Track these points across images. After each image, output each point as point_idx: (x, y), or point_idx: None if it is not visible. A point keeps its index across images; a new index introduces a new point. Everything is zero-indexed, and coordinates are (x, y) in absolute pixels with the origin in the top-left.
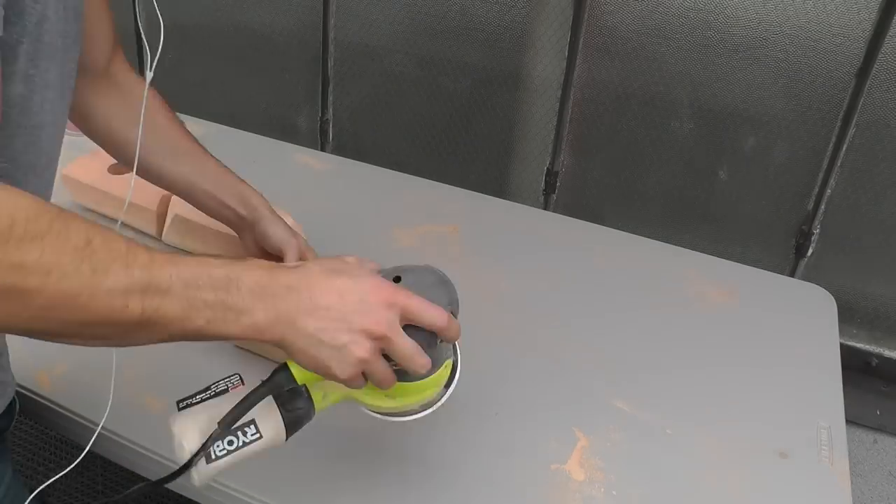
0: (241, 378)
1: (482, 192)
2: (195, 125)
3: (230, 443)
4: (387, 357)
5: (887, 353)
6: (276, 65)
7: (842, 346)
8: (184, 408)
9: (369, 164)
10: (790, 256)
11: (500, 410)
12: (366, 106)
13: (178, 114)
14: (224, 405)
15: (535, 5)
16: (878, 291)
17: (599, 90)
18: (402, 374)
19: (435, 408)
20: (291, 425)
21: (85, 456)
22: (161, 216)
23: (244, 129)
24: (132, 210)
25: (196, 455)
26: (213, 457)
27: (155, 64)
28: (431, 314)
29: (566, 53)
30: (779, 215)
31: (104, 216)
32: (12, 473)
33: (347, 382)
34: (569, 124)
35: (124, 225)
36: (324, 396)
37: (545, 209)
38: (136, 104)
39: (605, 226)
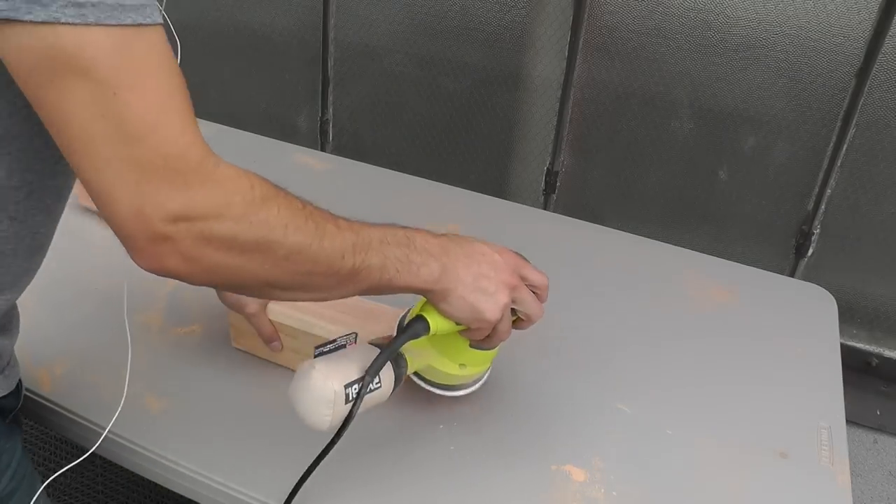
0: (356, 336)
1: (482, 192)
2: None
3: (368, 384)
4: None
5: (887, 353)
6: (276, 65)
7: (842, 346)
8: (318, 355)
9: (369, 164)
10: (790, 256)
11: (500, 410)
12: (366, 106)
13: None
14: (351, 355)
15: (535, 5)
16: (878, 291)
17: (599, 90)
18: (478, 343)
19: (480, 384)
20: (397, 382)
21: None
22: None
23: (244, 129)
24: None
25: (362, 389)
26: (350, 397)
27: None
28: (539, 276)
29: (566, 53)
30: (779, 215)
31: None
32: (22, 452)
33: (486, 327)
34: (569, 124)
35: None
36: (412, 361)
37: (545, 209)
38: None
39: (605, 226)
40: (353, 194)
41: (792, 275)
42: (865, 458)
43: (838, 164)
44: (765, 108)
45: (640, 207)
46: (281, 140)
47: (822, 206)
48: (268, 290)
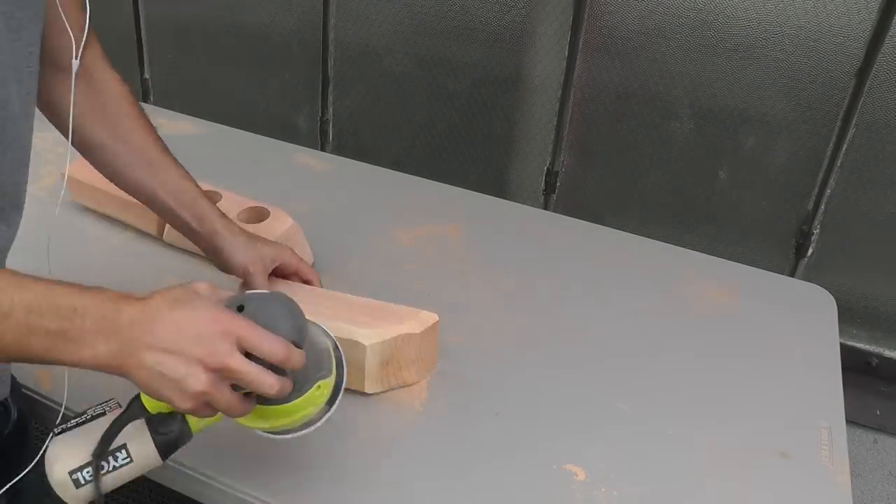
0: (118, 402)
1: (482, 192)
2: (195, 125)
3: (100, 468)
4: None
5: (887, 353)
6: (276, 65)
7: (842, 346)
8: (59, 433)
9: (369, 164)
10: (790, 256)
11: (500, 410)
12: (366, 106)
13: (177, 114)
14: (98, 428)
15: (535, 5)
16: (878, 291)
17: (599, 90)
18: (266, 399)
19: (318, 425)
20: (165, 447)
21: None
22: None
23: (244, 129)
24: (132, 210)
25: (94, 480)
26: (82, 482)
27: (79, 52)
28: (268, 345)
29: (566, 53)
30: (779, 215)
31: (105, 216)
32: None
33: (193, 412)
34: (569, 124)
35: (125, 225)
36: (199, 418)
37: (545, 209)
38: (105, 101)
39: (605, 226)
40: (353, 194)
41: (792, 275)
42: (865, 458)
43: (838, 164)
44: (765, 108)
45: (640, 207)
46: (281, 140)
47: (822, 206)
48: None
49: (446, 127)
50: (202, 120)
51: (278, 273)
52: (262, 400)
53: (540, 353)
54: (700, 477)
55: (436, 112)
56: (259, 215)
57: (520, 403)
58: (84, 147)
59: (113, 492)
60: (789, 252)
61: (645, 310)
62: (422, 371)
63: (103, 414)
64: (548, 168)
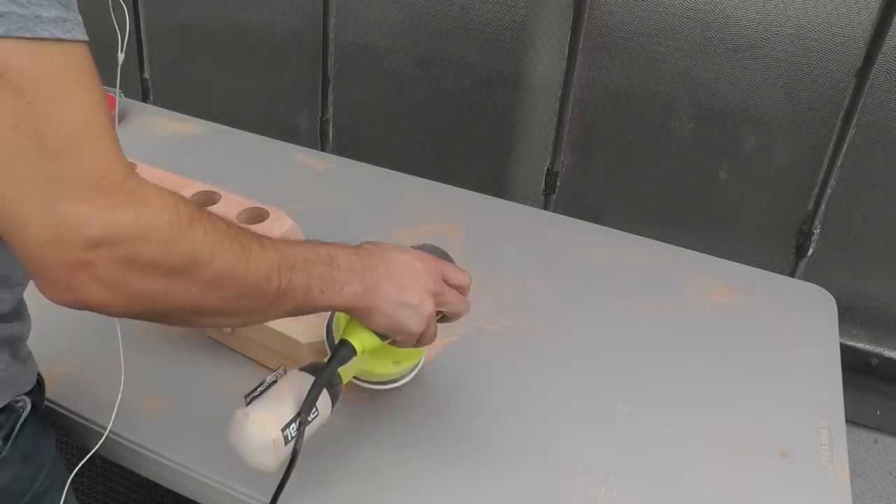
0: (285, 368)
1: (482, 192)
2: (195, 125)
3: (305, 422)
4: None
5: (887, 353)
6: (276, 65)
7: (842, 346)
8: (250, 401)
9: (369, 164)
10: (790, 256)
11: (500, 410)
12: (366, 106)
13: (177, 114)
14: (282, 390)
15: (535, 5)
16: (878, 291)
17: (599, 90)
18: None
19: (416, 372)
20: (335, 399)
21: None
22: None
23: (244, 129)
24: None
25: (299, 433)
26: (290, 438)
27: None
28: (461, 276)
29: (566, 53)
30: (779, 215)
31: None
32: (56, 452)
33: (412, 338)
34: (569, 124)
35: None
36: (346, 372)
37: (545, 209)
38: None
39: (605, 226)
40: (353, 194)
41: (792, 275)
42: (865, 458)
43: (838, 164)
44: (765, 108)
45: (640, 207)
46: (281, 140)
47: (822, 206)
48: (193, 317)
49: (446, 127)
50: (202, 120)
51: None
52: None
53: (539, 353)
54: (700, 477)
55: (436, 112)
56: (258, 216)
57: (519, 403)
58: None
59: (113, 492)
60: (789, 252)
61: (645, 310)
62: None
63: (275, 381)
64: (548, 168)
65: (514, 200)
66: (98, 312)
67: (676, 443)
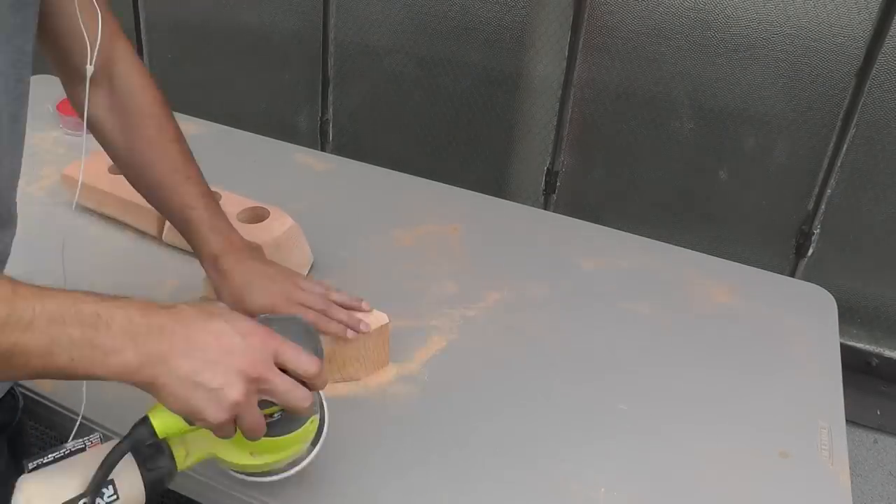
0: (101, 436)
1: (482, 192)
2: (195, 125)
3: None
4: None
5: (887, 353)
6: (276, 65)
7: (842, 346)
8: (34, 469)
9: (369, 164)
10: (790, 256)
11: (500, 411)
12: (366, 106)
13: (177, 114)
14: (78, 464)
15: (535, 5)
16: (878, 291)
17: (599, 90)
18: (267, 430)
19: (301, 466)
20: (152, 485)
21: None
22: (161, 217)
23: (244, 129)
24: (132, 210)
25: None
26: None
27: (93, 58)
28: (304, 360)
29: (566, 53)
30: (779, 215)
31: (105, 216)
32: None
33: (218, 429)
34: (569, 124)
35: (125, 225)
36: (187, 454)
37: (545, 209)
38: (126, 112)
39: (605, 226)
40: (353, 194)
41: (792, 275)
42: (865, 458)
43: (838, 164)
44: (765, 108)
45: (640, 207)
46: (281, 140)
47: (822, 206)
48: None
49: (446, 127)
50: (202, 120)
51: None
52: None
53: (539, 353)
54: (700, 477)
55: (436, 112)
56: (259, 215)
57: (519, 403)
58: (111, 155)
59: None
60: (789, 252)
61: (645, 310)
62: (368, 368)
63: (83, 449)
64: (548, 168)
65: (514, 200)
66: None
67: (676, 443)
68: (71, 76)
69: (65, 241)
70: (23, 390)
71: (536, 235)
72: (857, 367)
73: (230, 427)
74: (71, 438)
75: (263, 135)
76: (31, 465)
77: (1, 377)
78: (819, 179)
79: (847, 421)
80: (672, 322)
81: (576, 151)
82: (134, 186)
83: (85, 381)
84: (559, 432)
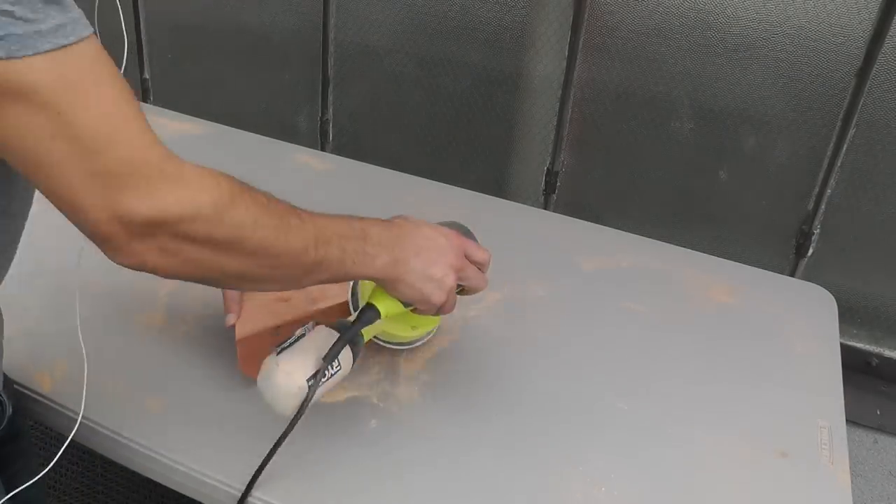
0: (314, 323)
1: (482, 192)
2: (195, 125)
3: (324, 374)
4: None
5: (887, 353)
6: (276, 65)
7: (842, 346)
8: (280, 352)
9: (369, 164)
10: (790, 256)
11: (500, 410)
12: (366, 106)
13: (177, 114)
14: (307, 345)
15: (535, 5)
16: (878, 291)
17: (599, 90)
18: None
19: (431, 335)
20: (356, 356)
21: (86, 457)
22: None
23: (244, 129)
24: None
25: (316, 381)
26: (316, 385)
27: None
28: (481, 253)
29: (566, 53)
30: (779, 215)
31: None
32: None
33: (433, 308)
34: (569, 124)
35: None
36: (367, 333)
37: (545, 209)
38: None
39: (605, 226)
40: (353, 194)
41: (792, 275)
42: (865, 458)
43: (838, 164)
44: (765, 108)
45: (640, 207)
46: (281, 140)
47: (822, 206)
48: (239, 282)
49: (446, 127)
50: (202, 120)
51: None
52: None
53: (539, 353)
54: (700, 476)
55: (436, 112)
56: None
57: (519, 403)
58: None
59: (113, 492)
60: (789, 252)
61: (645, 310)
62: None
63: (304, 335)
64: (548, 168)
65: (514, 200)
66: (155, 274)
67: (676, 442)
68: None
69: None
70: (20, 388)
71: (536, 235)
72: (857, 367)
73: (450, 301)
74: (71, 437)
75: (263, 135)
76: (277, 350)
77: (308, 281)
78: (819, 179)
79: (847, 421)
80: (672, 322)
81: (576, 151)
82: None
83: (85, 382)
84: (559, 432)
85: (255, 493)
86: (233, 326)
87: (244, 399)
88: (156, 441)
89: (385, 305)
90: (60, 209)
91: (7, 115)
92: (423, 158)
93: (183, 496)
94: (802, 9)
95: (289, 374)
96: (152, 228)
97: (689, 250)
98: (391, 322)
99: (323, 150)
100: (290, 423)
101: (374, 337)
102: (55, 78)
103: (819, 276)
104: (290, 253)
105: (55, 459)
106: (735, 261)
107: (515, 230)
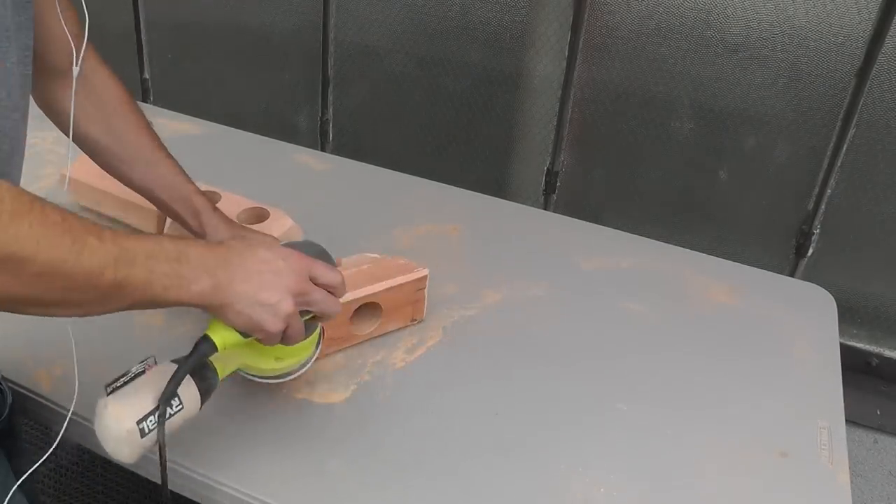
0: (154, 359)
1: (482, 192)
2: (195, 125)
3: (164, 414)
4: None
5: (887, 353)
6: (276, 65)
7: (842, 346)
8: (111, 392)
9: (369, 164)
10: (790, 256)
11: (499, 410)
12: (366, 106)
13: (177, 114)
14: (145, 384)
15: (535, 5)
16: (878, 291)
17: (599, 90)
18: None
19: (307, 367)
20: (205, 394)
21: (86, 457)
22: (161, 217)
23: (244, 129)
24: (132, 210)
25: (147, 425)
26: (146, 431)
27: (80, 59)
28: (331, 275)
29: (566, 53)
30: (779, 215)
31: (104, 216)
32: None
33: (272, 338)
34: (569, 124)
35: (124, 225)
36: (224, 367)
37: (545, 209)
38: (102, 103)
39: (605, 226)
40: (353, 194)
41: (792, 275)
42: (865, 458)
43: (838, 164)
44: (765, 108)
45: (640, 207)
46: (281, 140)
47: (822, 206)
48: (19, 306)
49: (446, 127)
50: (202, 120)
51: None
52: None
53: (539, 353)
54: (700, 477)
55: (436, 112)
56: (259, 216)
57: (519, 403)
58: (85, 147)
59: (113, 492)
60: (789, 252)
61: (645, 310)
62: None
63: (143, 372)
64: (548, 168)
65: (514, 200)
66: None
67: (676, 443)
68: (44, 73)
69: None
70: (12, 385)
71: (536, 235)
72: (857, 367)
73: (279, 335)
74: (63, 432)
75: (263, 135)
76: (108, 389)
77: (110, 308)
78: (819, 179)
79: (847, 421)
80: (672, 322)
81: (576, 151)
82: (112, 171)
83: (77, 381)
84: (558, 432)
85: (255, 493)
86: None
87: (244, 399)
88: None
89: (222, 336)
90: None
91: None
92: (423, 158)
93: (182, 496)
94: (802, 9)
95: (117, 418)
96: None
97: (689, 250)
98: (250, 354)
99: (323, 150)
100: (161, 474)
101: (240, 370)
102: None
103: (819, 276)
104: (82, 275)
105: (45, 455)
106: (735, 261)
107: (515, 230)
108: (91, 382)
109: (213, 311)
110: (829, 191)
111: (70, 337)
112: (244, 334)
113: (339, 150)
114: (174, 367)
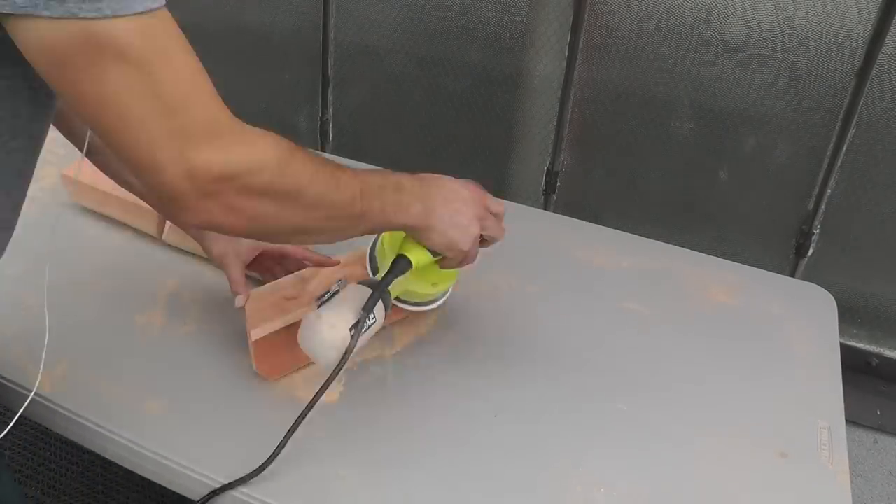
0: (346, 282)
1: None
2: None
3: (363, 325)
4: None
5: (887, 353)
6: (276, 65)
7: (842, 346)
8: (321, 305)
9: (369, 165)
10: (790, 256)
11: (500, 411)
12: (366, 106)
13: None
14: (344, 299)
15: (535, 5)
16: (878, 291)
17: (599, 90)
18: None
19: (447, 295)
20: (387, 309)
21: (86, 457)
22: (162, 218)
23: None
24: (133, 210)
25: (357, 331)
26: (351, 338)
27: None
28: (497, 205)
29: (566, 53)
30: (779, 215)
31: (104, 216)
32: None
33: (463, 256)
34: (569, 124)
35: (125, 225)
36: (392, 291)
37: (545, 209)
38: None
39: (605, 226)
40: None
41: (792, 275)
42: (865, 458)
43: (838, 164)
44: (765, 108)
45: (640, 207)
46: None
47: (822, 206)
48: (295, 235)
49: (446, 127)
50: None
51: (266, 258)
52: (444, 266)
53: (539, 353)
54: (700, 477)
55: (436, 112)
56: None
57: (519, 404)
58: (87, 152)
59: (113, 492)
60: (789, 252)
61: (645, 310)
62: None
63: (339, 291)
64: (548, 168)
65: (514, 200)
66: (222, 232)
67: (676, 443)
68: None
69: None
70: (21, 390)
71: (536, 235)
72: (857, 367)
73: (469, 255)
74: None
75: None
76: (318, 304)
77: (354, 232)
78: (819, 179)
79: (847, 421)
80: (672, 322)
81: (576, 151)
82: (114, 175)
83: (42, 362)
84: (558, 432)
85: (256, 493)
86: (242, 308)
87: (245, 400)
88: (156, 442)
89: (416, 256)
90: (135, 168)
91: (105, 71)
92: (423, 158)
93: (182, 496)
94: (802, 9)
95: (333, 326)
96: (221, 184)
97: (689, 250)
98: (414, 278)
99: (323, 150)
100: (332, 374)
101: (396, 299)
102: (148, 39)
103: (819, 276)
104: (341, 204)
105: (4, 431)
106: (735, 261)
107: (515, 230)
108: (91, 381)
109: (420, 231)
110: (829, 191)
111: (46, 321)
112: (435, 254)
113: (339, 150)
114: (362, 287)
